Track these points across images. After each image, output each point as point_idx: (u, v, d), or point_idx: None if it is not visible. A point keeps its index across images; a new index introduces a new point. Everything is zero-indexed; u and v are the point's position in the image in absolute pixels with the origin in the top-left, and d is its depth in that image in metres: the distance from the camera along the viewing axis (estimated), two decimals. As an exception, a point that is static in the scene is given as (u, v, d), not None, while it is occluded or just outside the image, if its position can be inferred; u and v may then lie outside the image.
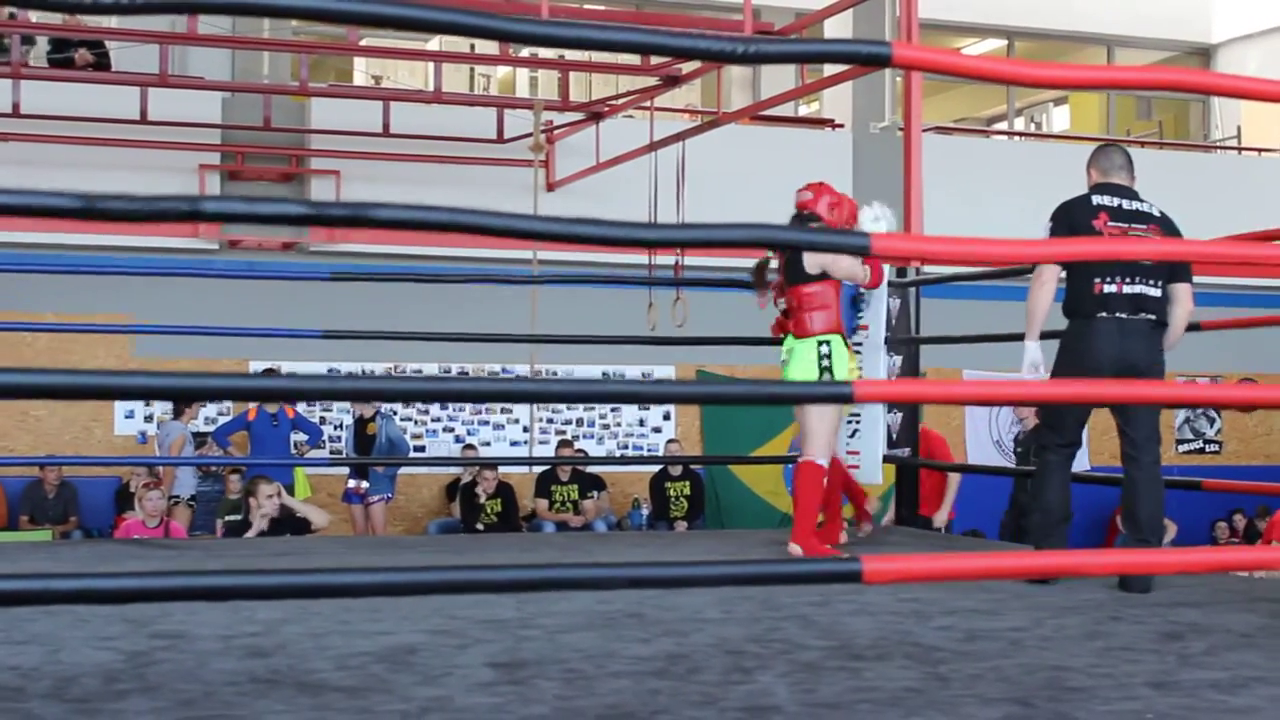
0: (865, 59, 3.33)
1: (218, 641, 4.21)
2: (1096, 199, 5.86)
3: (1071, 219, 5.72)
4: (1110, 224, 5.70)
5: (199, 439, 13.17)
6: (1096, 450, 16.73)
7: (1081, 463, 16.50)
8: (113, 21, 13.79)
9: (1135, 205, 5.88)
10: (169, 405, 13.42)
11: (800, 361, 6.85)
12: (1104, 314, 5.64)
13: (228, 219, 3.03)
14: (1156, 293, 5.69)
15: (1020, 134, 19.91)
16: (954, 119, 19.99)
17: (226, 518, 11.90)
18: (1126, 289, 5.64)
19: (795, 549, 6.69)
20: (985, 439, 15.91)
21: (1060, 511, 5.81)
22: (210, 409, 13.78)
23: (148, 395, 2.92)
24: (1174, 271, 5.78)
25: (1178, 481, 7.82)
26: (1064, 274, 5.78)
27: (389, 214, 2.99)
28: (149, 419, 13.93)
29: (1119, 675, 3.84)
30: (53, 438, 13.70)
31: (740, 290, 12.61)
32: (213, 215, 2.96)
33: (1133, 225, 5.74)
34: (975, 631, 4.51)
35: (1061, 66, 3.54)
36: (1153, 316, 5.69)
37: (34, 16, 12.76)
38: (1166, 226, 5.84)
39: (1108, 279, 5.63)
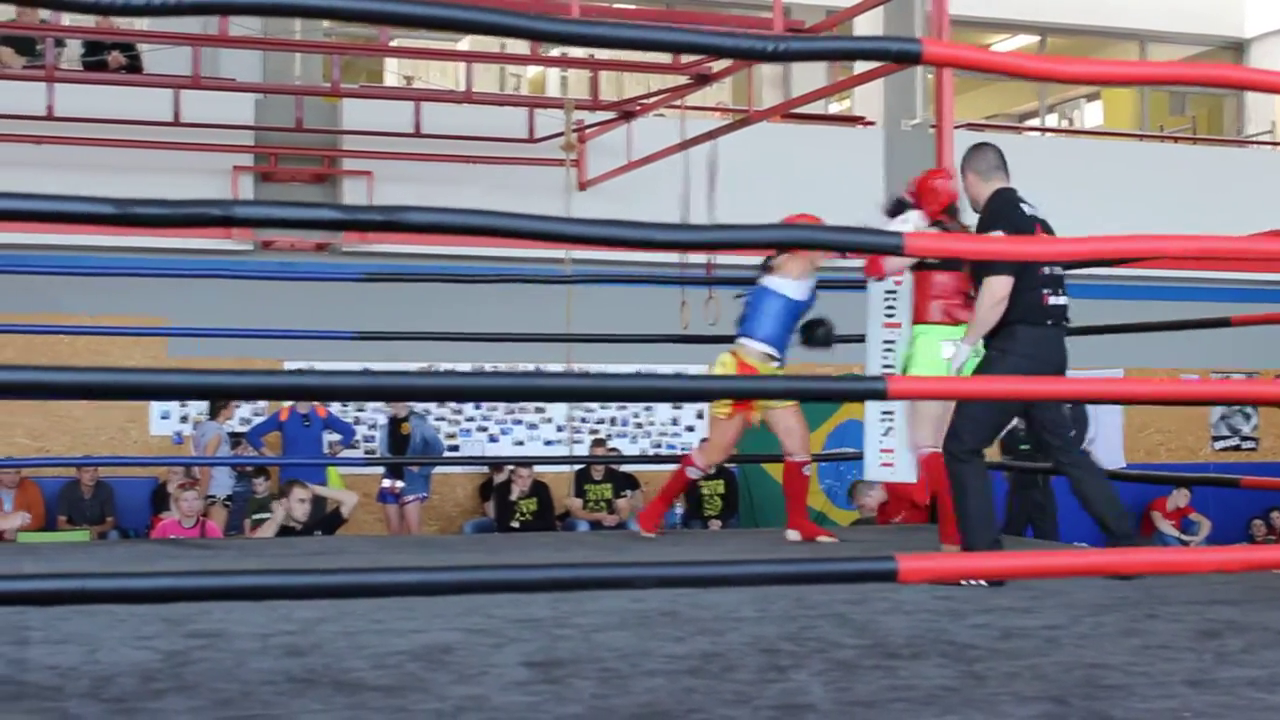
0: (895, 56, 3.33)
1: (255, 641, 4.22)
2: (1026, 209, 6.02)
3: (1016, 227, 5.86)
4: (1043, 234, 5.93)
5: (234, 439, 13.22)
6: (1131, 448, 16.66)
7: (1116, 460, 16.49)
8: (145, 24, 13.85)
9: (1037, 213, 6.08)
10: (204, 406, 13.47)
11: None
12: (1051, 323, 5.92)
13: (260, 224, 3.04)
14: (1067, 302, 6.03)
15: (1052, 130, 19.83)
16: (986, 116, 19.90)
17: (254, 516, 11.96)
18: (1060, 300, 5.97)
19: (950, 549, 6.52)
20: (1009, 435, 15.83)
21: (986, 512, 5.82)
22: (245, 410, 13.83)
23: (182, 394, 2.93)
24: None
25: (1216, 479, 7.80)
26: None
27: (421, 218, 3.00)
28: (184, 420, 13.98)
29: (1156, 673, 3.83)
30: (89, 438, 13.77)
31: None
32: (244, 220, 2.97)
33: (1044, 234, 5.98)
34: (1011, 629, 4.50)
35: (1092, 62, 3.53)
36: (1068, 323, 6.05)
37: (66, 20, 12.82)
38: (1049, 232, 6.08)
39: (1050, 291, 5.91)
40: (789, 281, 7.52)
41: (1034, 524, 13.10)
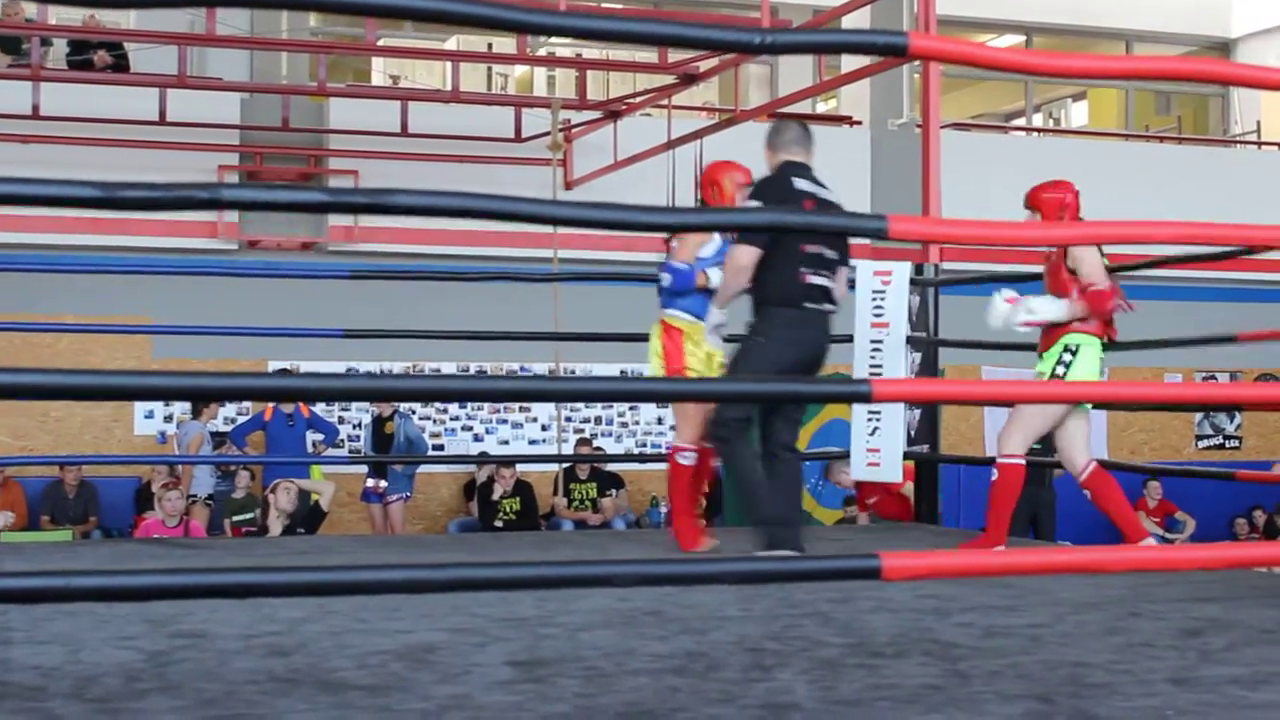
0: (882, 49, 3.33)
1: (238, 641, 4.21)
2: (798, 183, 5.78)
3: (778, 201, 5.65)
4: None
5: (217, 439, 13.20)
6: (1115, 446, 16.69)
7: (1100, 458, 16.49)
8: (131, 22, 13.83)
9: (825, 194, 5.86)
10: (188, 406, 13.45)
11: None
12: (810, 304, 5.75)
13: (246, 206, 3.03)
14: (832, 284, 5.86)
15: (1039, 130, 19.87)
16: (972, 115, 19.94)
17: (234, 517, 11.94)
18: (823, 281, 5.78)
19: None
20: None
21: (763, 482, 5.71)
22: (229, 409, 13.81)
23: (166, 396, 2.92)
24: (843, 258, 5.97)
25: (1207, 472, 7.80)
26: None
27: (407, 200, 2.99)
28: (168, 419, 13.97)
29: (1139, 671, 3.83)
30: (73, 438, 13.75)
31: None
32: (231, 203, 2.95)
33: (830, 212, 5.64)
34: (995, 628, 4.50)
35: (1078, 57, 3.53)
36: (833, 309, 5.90)
37: (52, 18, 12.80)
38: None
39: (811, 271, 5.71)
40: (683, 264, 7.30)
41: (1036, 522, 13.14)
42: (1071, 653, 4.09)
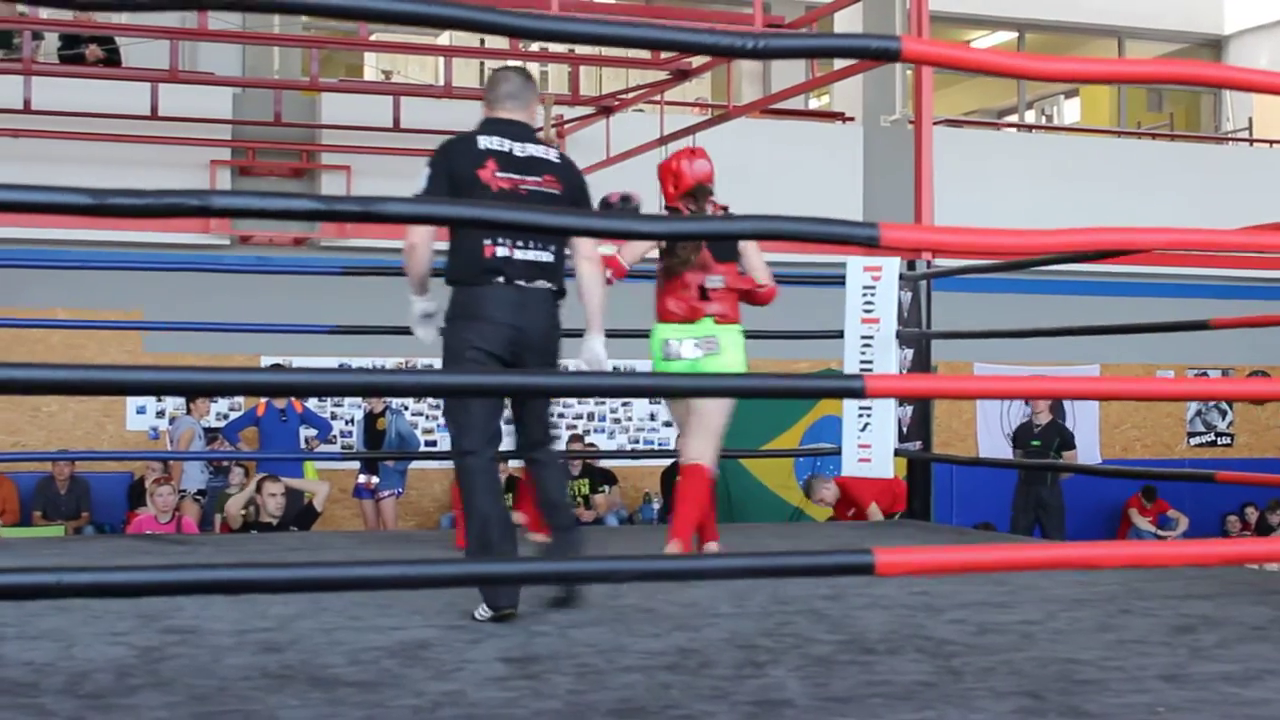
0: (875, 54, 3.33)
1: (230, 637, 4.21)
2: (484, 141, 5.05)
3: (452, 165, 4.98)
4: (499, 174, 4.97)
5: (209, 434, 13.19)
6: (1108, 444, 16.73)
7: (1092, 456, 16.55)
8: (123, 17, 13.80)
9: (530, 150, 5.09)
10: (181, 401, 13.44)
11: (735, 351, 6.35)
12: (500, 280, 4.94)
13: (237, 214, 3.04)
14: (551, 258, 5.05)
15: (1031, 126, 19.88)
16: (965, 112, 19.96)
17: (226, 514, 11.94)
18: (519, 254, 4.97)
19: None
20: (997, 432, 15.91)
21: (499, 517, 4.89)
22: (222, 405, 13.80)
23: (157, 390, 2.92)
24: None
25: (1191, 474, 7.80)
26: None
27: (400, 209, 2.99)
28: (161, 414, 13.95)
29: (1130, 668, 3.84)
30: (65, 434, 13.73)
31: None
32: (222, 211, 2.96)
33: (526, 177, 5.02)
34: (987, 625, 4.51)
35: (1072, 60, 3.53)
36: (551, 285, 5.06)
37: (44, 12, 12.77)
38: (567, 176, 5.15)
39: (500, 241, 4.94)
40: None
41: (1040, 522, 13.17)
42: (1063, 649, 4.10)
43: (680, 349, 6.33)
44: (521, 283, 4.96)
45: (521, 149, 5.07)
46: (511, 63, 9.64)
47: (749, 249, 6.47)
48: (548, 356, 5.10)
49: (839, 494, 11.63)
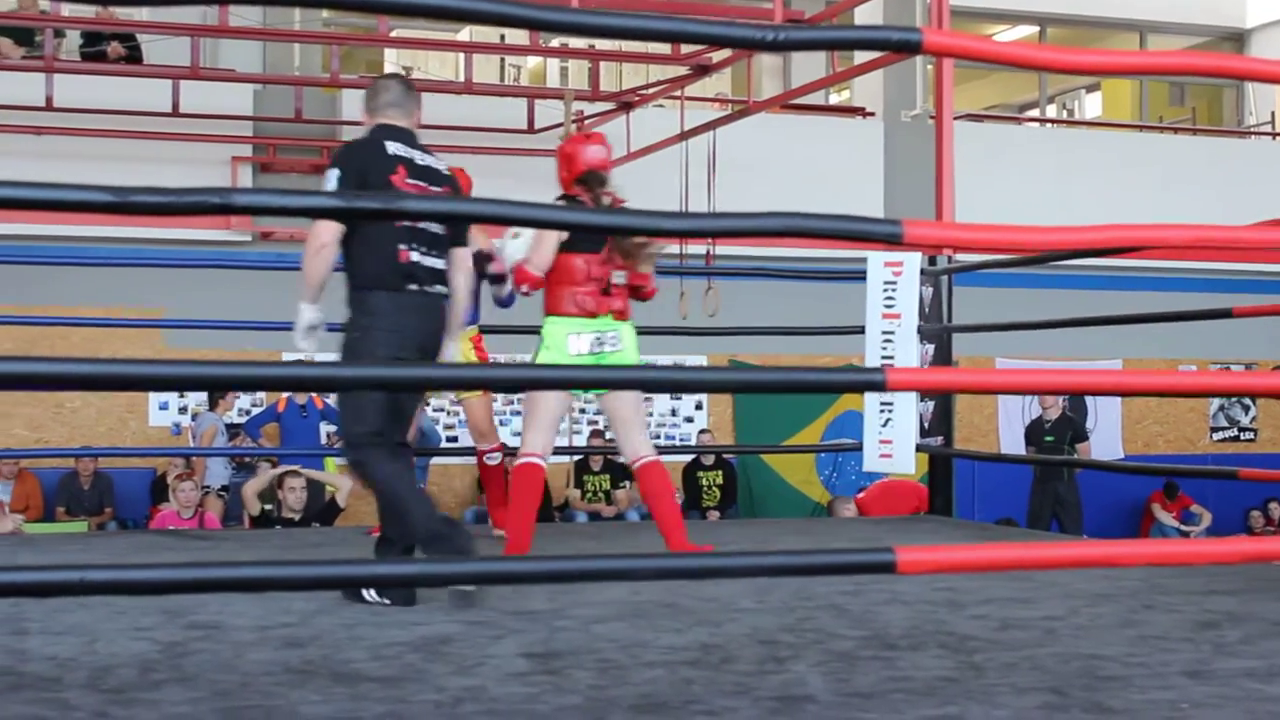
0: (896, 45, 3.32)
1: (253, 632, 4.22)
2: (391, 147, 5.08)
3: (364, 170, 4.99)
4: (409, 180, 5.04)
5: (231, 430, 13.22)
6: (1130, 439, 16.68)
7: (1114, 451, 16.52)
8: (144, 14, 13.84)
9: (427, 160, 5.21)
10: (203, 397, 13.47)
11: (634, 347, 6.26)
12: (414, 286, 5.03)
13: (259, 212, 3.04)
14: (445, 265, 5.20)
15: (1052, 121, 19.83)
16: (985, 106, 19.91)
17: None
18: (428, 260, 5.09)
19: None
20: (1018, 427, 15.86)
21: (411, 499, 4.91)
22: (244, 400, 13.83)
23: (181, 385, 2.93)
24: (455, 237, 5.24)
25: (1214, 471, 7.77)
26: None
27: (420, 205, 3.00)
28: (183, 410, 13.99)
29: (1154, 664, 3.82)
30: (88, 429, 13.77)
31: (771, 280, 12.61)
32: (244, 208, 2.97)
33: (430, 185, 5.12)
34: (1009, 620, 4.50)
35: (1093, 52, 3.52)
36: (446, 291, 5.21)
37: (66, 10, 12.81)
38: (455, 187, 5.37)
39: (412, 248, 5.02)
40: None
41: (1058, 517, 13.14)
42: (1086, 645, 4.09)
43: (585, 344, 6.15)
44: (427, 289, 5.08)
45: (421, 158, 5.18)
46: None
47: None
48: (434, 359, 5.22)
49: (859, 515, 11.63)
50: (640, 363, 6.26)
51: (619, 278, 6.21)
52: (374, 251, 5.00)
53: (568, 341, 6.11)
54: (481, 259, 6.94)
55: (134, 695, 3.41)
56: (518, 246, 6.31)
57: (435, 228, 5.10)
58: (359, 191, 2.95)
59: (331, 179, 4.97)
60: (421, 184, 5.07)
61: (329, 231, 4.95)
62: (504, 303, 6.97)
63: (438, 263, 5.14)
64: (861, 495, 12.53)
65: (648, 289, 6.38)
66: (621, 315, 6.23)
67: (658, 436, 15.39)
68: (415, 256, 5.01)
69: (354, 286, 5.05)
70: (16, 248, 11.21)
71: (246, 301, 11.07)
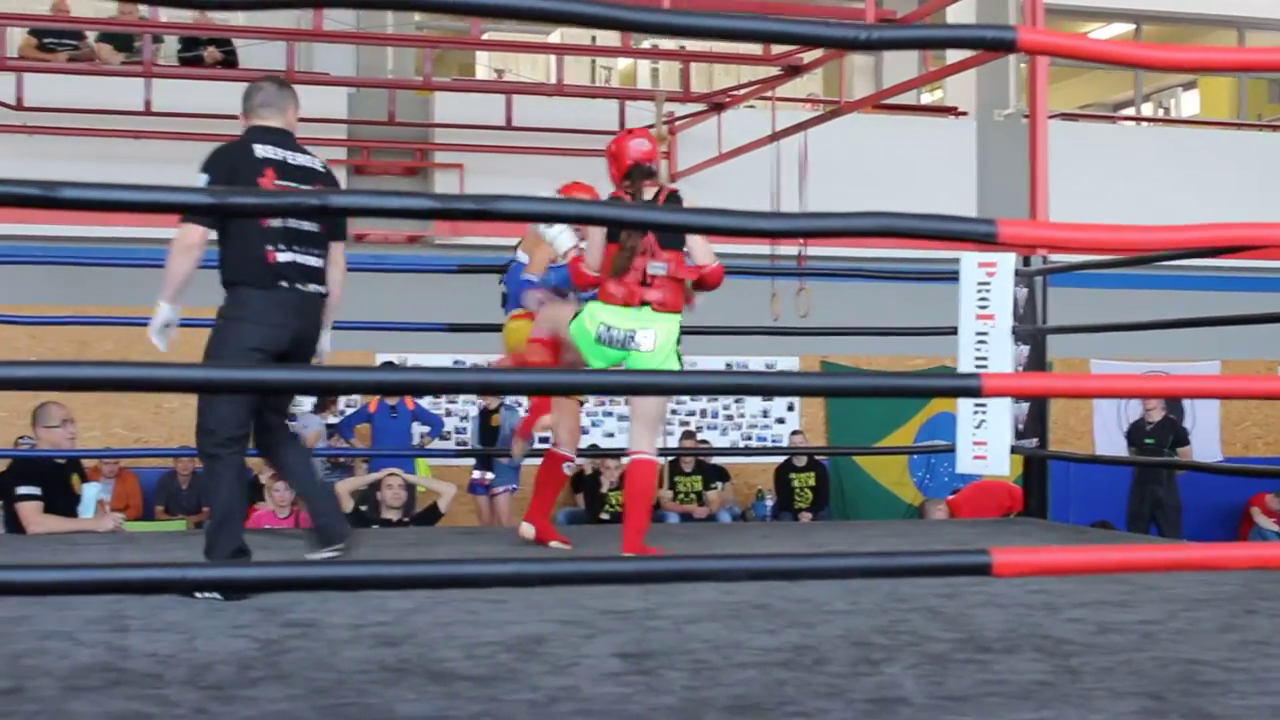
0: (990, 44, 3.30)
1: (348, 630, 4.26)
2: (259, 149, 5.18)
3: (233, 172, 5.11)
4: (278, 182, 5.15)
5: (328, 430, 13.34)
6: (1229, 441, 16.45)
7: (1213, 454, 16.30)
8: (241, 19, 14.00)
9: (300, 160, 5.29)
10: (298, 398, 13.59)
11: (669, 343, 6.24)
12: (284, 284, 5.19)
13: (355, 213, 3.08)
14: (321, 263, 5.34)
15: (1148, 120, 19.59)
16: (1080, 105, 19.70)
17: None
18: (300, 258, 5.23)
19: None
20: (1114, 429, 15.68)
21: (239, 513, 5.25)
22: (341, 401, 13.95)
23: (279, 389, 2.96)
24: (332, 231, 5.38)
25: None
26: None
27: (515, 206, 3.01)
28: (279, 411, 14.13)
29: (1255, 670, 3.77)
30: (186, 429, 13.88)
31: (863, 281, 12.55)
32: (341, 209, 3.01)
33: (301, 185, 5.21)
34: (1106, 624, 4.45)
35: (1191, 49, 3.48)
36: (323, 289, 5.38)
37: (164, 16, 12.98)
38: (332, 184, 5.50)
39: (281, 246, 5.16)
40: (533, 272, 7.18)
41: (1156, 521, 12.99)
42: (1185, 650, 4.04)
43: (616, 335, 6.16)
44: (300, 286, 5.23)
45: (294, 157, 5.28)
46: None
47: (693, 236, 6.30)
48: (310, 355, 5.44)
49: (950, 516, 11.56)
50: (672, 361, 6.23)
51: (658, 269, 6.18)
52: (243, 251, 5.16)
53: (596, 330, 6.19)
54: None
55: (232, 692, 3.45)
56: (558, 233, 6.42)
57: (309, 225, 5.23)
58: (507, 195, 2.97)
59: (200, 182, 5.08)
60: (291, 184, 5.16)
61: (197, 233, 5.08)
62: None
63: (312, 260, 5.28)
64: (953, 497, 12.46)
65: (710, 275, 6.32)
66: (662, 307, 6.20)
67: (749, 438, 15.37)
68: (286, 256, 5.17)
69: (226, 282, 5.26)
70: (118, 250, 11.38)
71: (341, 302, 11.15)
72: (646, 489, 6.39)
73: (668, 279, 6.21)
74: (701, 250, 6.31)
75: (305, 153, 5.35)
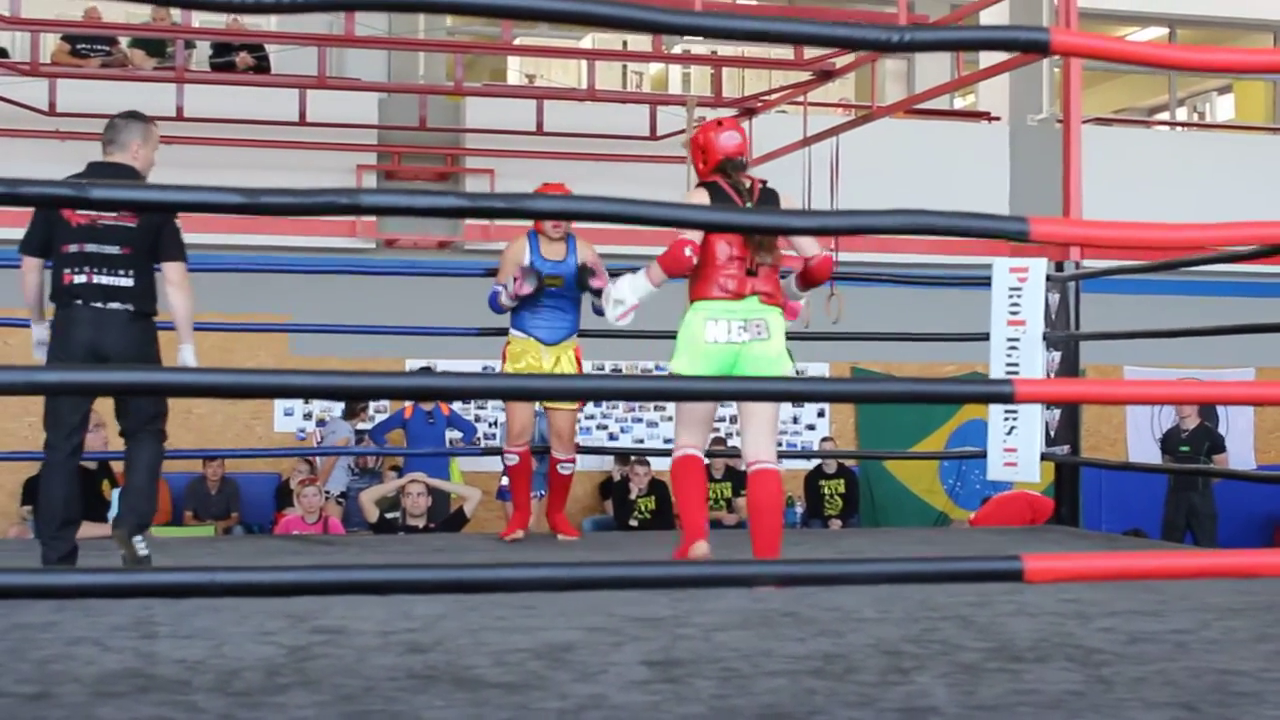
0: (1024, 46, 3.27)
1: (376, 637, 4.25)
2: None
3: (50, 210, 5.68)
4: (79, 211, 5.65)
5: (358, 436, 13.36)
6: (1263, 449, 16.33)
7: (1247, 461, 16.20)
8: (272, 25, 14.05)
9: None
10: (327, 404, 13.62)
11: (781, 336, 5.91)
12: (80, 302, 5.71)
13: (386, 212, 3.06)
14: (129, 283, 5.77)
15: (1183, 124, 19.47)
16: (1114, 110, 19.61)
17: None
18: (97, 279, 5.71)
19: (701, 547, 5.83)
20: (1147, 436, 15.60)
21: (64, 513, 5.74)
22: (371, 407, 13.96)
23: (307, 394, 2.95)
24: (156, 254, 5.88)
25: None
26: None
27: (545, 205, 3.00)
28: (308, 416, 14.15)
29: (1291, 680, 3.73)
30: (215, 435, 13.98)
31: (894, 286, 12.52)
32: (371, 208, 2.99)
33: (102, 215, 5.73)
34: (1138, 634, 4.41)
35: (1227, 50, 3.44)
36: (130, 306, 5.78)
37: (196, 22, 13.03)
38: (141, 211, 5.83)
39: (77, 270, 5.72)
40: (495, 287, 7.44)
41: (1192, 529, 12.89)
42: (1219, 660, 4.00)
43: (723, 331, 5.78)
44: (97, 304, 5.72)
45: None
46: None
47: None
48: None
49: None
50: (785, 354, 5.90)
51: (765, 258, 5.83)
52: (53, 275, 5.78)
53: (705, 329, 5.77)
54: (585, 272, 7.15)
55: (260, 699, 3.44)
56: (626, 284, 6.04)
57: (111, 249, 5.75)
58: (536, 194, 2.98)
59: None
60: (92, 213, 5.64)
61: (29, 261, 5.86)
62: (603, 312, 6.90)
63: (116, 280, 5.74)
64: (974, 515, 12.34)
65: (813, 266, 6.00)
66: (770, 299, 5.85)
67: (780, 444, 15.32)
68: (81, 278, 5.69)
69: (52, 299, 5.84)
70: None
71: (371, 308, 11.17)
72: (780, 499, 5.91)
73: (770, 269, 5.85)
74: (808, 240, 5.94)
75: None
